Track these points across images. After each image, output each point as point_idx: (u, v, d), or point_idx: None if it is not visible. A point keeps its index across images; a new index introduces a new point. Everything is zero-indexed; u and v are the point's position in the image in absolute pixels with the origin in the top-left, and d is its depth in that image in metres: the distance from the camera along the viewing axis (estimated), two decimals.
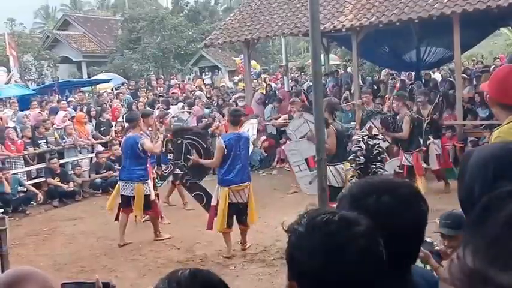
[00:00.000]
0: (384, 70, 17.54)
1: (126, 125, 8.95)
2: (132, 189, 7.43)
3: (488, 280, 0.38)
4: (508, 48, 23.92)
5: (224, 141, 6.63)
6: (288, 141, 10.58)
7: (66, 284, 1.44)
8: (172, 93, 16.07)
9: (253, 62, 24.45)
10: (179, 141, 7.44)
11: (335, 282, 1.06)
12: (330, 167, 6.53)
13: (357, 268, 1.05)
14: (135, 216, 7.52)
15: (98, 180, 11.15)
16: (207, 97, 15.54)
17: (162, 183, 8.58)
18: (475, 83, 12.67)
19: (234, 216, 6.71)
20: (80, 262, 6.92)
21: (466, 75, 13.30)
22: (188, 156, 7.23)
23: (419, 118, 8.35)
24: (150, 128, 8.42)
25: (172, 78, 20.89)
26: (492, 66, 15.09)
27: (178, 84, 19.10)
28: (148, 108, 9.47)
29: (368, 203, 1.22)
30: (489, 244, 0.40)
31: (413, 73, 14.86)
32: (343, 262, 1.05)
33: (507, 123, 2.30)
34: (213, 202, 6.78)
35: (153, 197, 7.61)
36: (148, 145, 7.35)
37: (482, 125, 10.53)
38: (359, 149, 5.45)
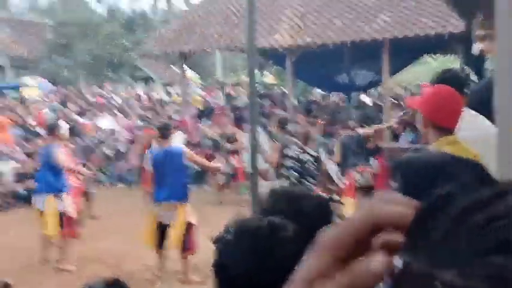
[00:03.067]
0: (315, 90, 17.96)
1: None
2: (43, 202, 6.86)
3: (433, 280, 0.38)
4: (429, 75, 25.03)
5: (151, 156, 6.47)
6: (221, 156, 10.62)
7: None
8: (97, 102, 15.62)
9: (194, 75, 24.33)
10: None
11: (262, 286, 1.07)
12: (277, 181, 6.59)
13: (284, 272, 1.05)
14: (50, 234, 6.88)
15: (22, 191, 10.62)
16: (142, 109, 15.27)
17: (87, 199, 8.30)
18: (403, 107, 13.21)
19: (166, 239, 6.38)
20: (1, 276, 6.53)
21: (395, 101, 13.84)
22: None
23: (353, 138, 8.52)
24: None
25: (107, 88, 20.31)
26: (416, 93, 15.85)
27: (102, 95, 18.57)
28: (53, 122, 8.73)
29: (275, 212, 1.24)
30: (432, 245, 0.41)
31: (343, 95, 15.34)
32: (271, 267, 1.05)
33: (444, 146, 2.36)
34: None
35: (70, 213, 6.92)
36: (60, 157, 6.79)
37: (409, 148, 10.95)
38: (293, 165, 5.53)
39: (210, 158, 12.34)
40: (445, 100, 2.41)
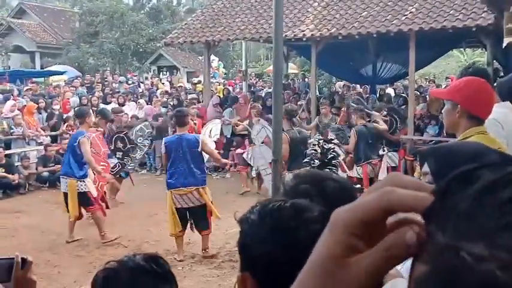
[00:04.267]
0: (338, 82, 17.86)
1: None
2: (65, 185, 7.14)
3: (459, 253, 0.39)
4: (458, 69, 24.79)
5: (164, 143, 6.56)
6: (249, 146, 10.64)
7: None
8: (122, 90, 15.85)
9: (218, 63, 24.39)
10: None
11: (288, 268, 1.07)
12: (289, 172, 6.60)
13: (308, 253, 1.05)
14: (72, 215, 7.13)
15: (45, 173, 10.83)
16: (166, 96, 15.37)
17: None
18: (427, 100, 13.04)
19: (189, 221, 6.55)
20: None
21: (418, 92, 13.68)
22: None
23: (370, 131, 8.47)
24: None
25: (135, 76, 20.52)
26: (444, 86, 15.60)
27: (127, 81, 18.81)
28: (83, 107, 9.09)
29: (299, 194, 1.23)
30: (459, 218, 0.41)
31: (368, 87, 15.20)
32: (295, 248, 1.05)
33: (473, 135, 2.36)
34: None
35: (94, 194, 7.20)
36: (84, 147, 6.95)
37: (432, 140, 10.85)
38: (314, 152, 5.51)
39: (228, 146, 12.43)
40: (481, 90, 2.45)
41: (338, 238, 0.44)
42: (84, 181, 7.11)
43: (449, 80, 18.63)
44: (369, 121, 9.05)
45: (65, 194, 7.20)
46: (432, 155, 1.29)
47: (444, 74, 23.31)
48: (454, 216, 0.40)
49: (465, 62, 22.20)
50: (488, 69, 12.27)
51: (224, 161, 8.61)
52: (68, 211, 7.17)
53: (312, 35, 12.01)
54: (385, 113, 10.05)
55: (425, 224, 0.42)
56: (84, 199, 7.10)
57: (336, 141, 6.00)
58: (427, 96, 13.37)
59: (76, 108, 9.32)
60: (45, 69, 22.18)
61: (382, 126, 9.21)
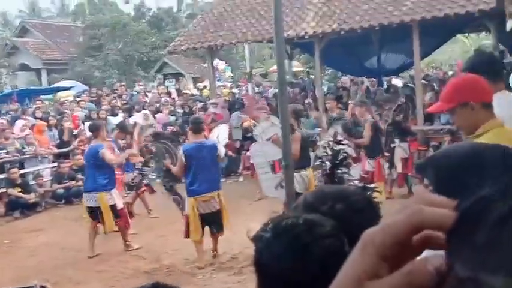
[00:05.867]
0: (344, 77, 17.81)
1: (90, 134, 8.77)
2: (95, 200, 7.24)
3: (480, 285, 0.39)
4: (464, 54, 24.63)
5: (184, 151, 6.57)
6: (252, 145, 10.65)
7: None
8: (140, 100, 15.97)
9: (224, 66, 24.38)
10: (157, 145, 7.47)
11: (303, 283, 1.08)
12: (295, 173, 6.59)
13: (323, 268, 1.07)
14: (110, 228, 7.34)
15: (60, 190, 10.91)
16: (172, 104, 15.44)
17: (129, 193, 8.46)
18: (436, 88, 12.97)
19: (208, 226, 6.64)
20: (43, 274, 6.74)
21: (425, 81, 13.61)
22: (163, 160, 7.24)
23: (383, 123, 8.47)
24: (123, 139, 8.34)
25: (140, 85, 20.62)
26: (451, 72, 15.52)
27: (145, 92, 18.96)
28: (97, 121, 9.21)
29: (322, 211, 1.24)
30: (476, 249, 0.42)
31: (375, 79, 15.14)
32: (309, 263, 1.07)
33: (489, 130, 2.34)
34: (186, 211, 6.72)
35: (120, 205, 7.41)
36: (108, 157, 7.12)
37: (443, 129, 10.80)
38: (325, 154, 5.51)
39: (240, 150, 12.46)
40: (475, 78, 2.46)
41: (366, 261, 0.45)
42: (110, 193, 7.26)
43: (456, 65, 18.55)
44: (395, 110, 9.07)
45: (90, 209, 7.30)
46: (429, 167, 1.29)
47: (450, 60, 23.15)
48: (472, 246, 0.41)
49: (470, 47, 22.04)
50: (494, 53, 12.20)
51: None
52: (91, 227, 7.28)
53: (314, 32, 11.99)
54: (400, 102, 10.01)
55: (446, 252, 0.43)
56: (113, 212, 7.25)
57: (345, 141, 5.98)
58: (435, 84, 13.32)
59: (90, 123, 9.38)
60: (52, 86, 22.32)
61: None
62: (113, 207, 7.26)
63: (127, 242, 7.39)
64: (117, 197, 7.41)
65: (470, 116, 2.41)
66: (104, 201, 7.21)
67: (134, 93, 18.73)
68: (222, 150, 7.10)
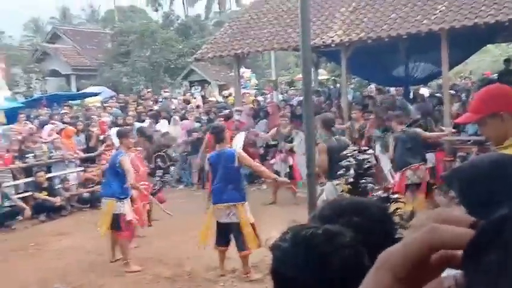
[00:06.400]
0: (370, 85, 17.67)
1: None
2: (105, 205, 7.21)
3: None
4: (494, 64, 24.23)
5: (208, 159, 6.64)
6: (277, 155, 10.66)
7: None
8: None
9: (250, 74, 24.49)
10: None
11: None
12: (328, 182, 6.53)
13: (342, 279, 1.04)
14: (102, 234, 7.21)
15: (86, 194, 11.06)
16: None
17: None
18: (464, 98, 12.78)
19: (230, 236, 6.50)
20: (68, 277, 6.83)
21: (453, 91, 13.42)
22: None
23: (408, 135, 8.30)
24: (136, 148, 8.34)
25: (166, 92, 20.86)
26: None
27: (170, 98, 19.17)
28: (125, 128, 9.22)
29: (339, 224, 1.22)
30: (489, 271, 0.40)
31: (401, 88, 14.99)
32: (328, 273, 1.05)
33: None
34: None
35: (129, 217, 7.14)
36: (126, 166, 6.95)
37: (470, 140, 10.61)
38: (349, 163, 5.45)
39: (264, 157, 12.45)
40: (506, 90, 2.44)
41: (382, 281, 0.45)
42: (123, 202, 7.12)
43: (485, 75, 18.26)
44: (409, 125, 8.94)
45: None
46: (455, 179, 1.25)
47: (479, 70, 22.80)
48: (487, 266, 0.39)
49: (500, 57, 21.66)
50: None
51: (270, 174, 7.76)
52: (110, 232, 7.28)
53: (340, 40, 11.94)
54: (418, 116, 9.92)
55: (461, 271, 0.42)
56: (115, 222, 7.05)
57: (370, 151, 5.91)
58: (463, 95, 13.12)
59: (118, 129, 9.45)
60: (80, 92, 22.71)
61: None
62: (117, 217, 7.05)
63: (125, 261, 7.04)
64: (129, 208, 7.20)
65: (500, 126, 2.36)
66: (109, 208, 7.05)
67: (161, 100, 18.94)
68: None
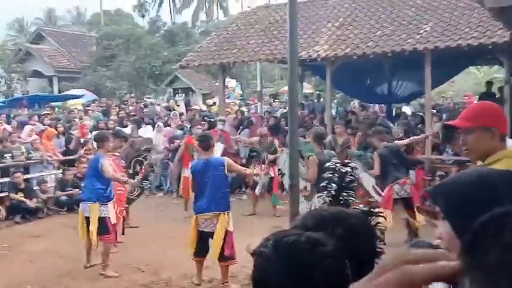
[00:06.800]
0: (354, 101, 17.83)
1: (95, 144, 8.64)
2: (88, 210, 7.03)
3: None
4: (475, 86, 24.69)
5: (191, 168, 6.55)
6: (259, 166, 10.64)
7: None
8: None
9: (235, 84, 24.53)
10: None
11: None
12: (317, 195, 6.52)
13: (325, 287, 1.04)
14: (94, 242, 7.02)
15: (63, 197, 10.90)
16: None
17: (128, 206, 8.41)
18: (444, 118, 12.95)
19: (209, 245, 6.42)
20: (40, 281, 6.69)
21: (435, 111, 13.60)
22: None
23: (392, 151, 8.34)
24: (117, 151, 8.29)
25: (149, 98, 20.82)
26: (461, 103, 15.52)
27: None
28: (104, 131, 9.15)
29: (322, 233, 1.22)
30: (487, 270, 0.40)
31: (384, 106, 15.15)
32: (310, 282, 1.04)
33: (503, 158, 2.32)
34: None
35: (114, 220, 7.15)
36: (106, 168, 6.92)
37: (450, 160, 10.74)
38: (331, 176, 5.46)
39: (245, 166, 12.43)
40: (500, 109, 2.56)
41: None
42: (107, 205, 7.05)
43: (466, 97, 18.55)
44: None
45: (87, 219, 7.11)
46: (440, 195, 1.25)
47: (461, 91, 23.18)
48: (483, 266, 0.40)
49: (482, 79, 22.07)
50: (506, 87, 12.20)
51: (249, 171, 8.42)
52: (88, 237, 7.12)
53: (326, 55, 12.04)
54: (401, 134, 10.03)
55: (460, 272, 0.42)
56: (102, 226, 6.96)
57: (352, 164, 5.93)
58: (444, 115, 13.29)
59: (96, 132, 9.33)
60: (62, 94, 22.50)
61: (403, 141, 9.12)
62: (103, 220, 6.97)
63: (104, 264, 6.94)
64: (112, 211, 7.15)
65: (488, 141, 2.39)
66: (95, 212, 6.95)
67: (149, 104, 18.85)
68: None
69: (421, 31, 11.51)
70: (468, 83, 26.14)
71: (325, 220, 1.27)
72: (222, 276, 6.32)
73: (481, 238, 0.42)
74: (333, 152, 7.83)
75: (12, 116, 15.16)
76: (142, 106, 18.39)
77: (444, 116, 13.49)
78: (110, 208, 7.11)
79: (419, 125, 12.44)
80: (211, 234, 6.33)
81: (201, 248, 6.42)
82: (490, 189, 1.18)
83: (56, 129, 12.66)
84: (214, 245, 6.23)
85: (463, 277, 0.43)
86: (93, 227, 6.94)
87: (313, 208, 6.21)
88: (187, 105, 20.00)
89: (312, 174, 6.55)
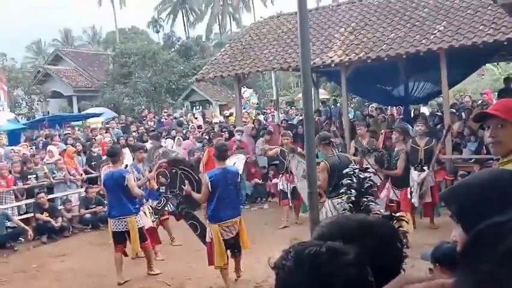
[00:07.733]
0: (371, 105, 17.72)
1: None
2: (126, 224, 7.26)
3: None
4: (494, 83, 24.36)
5: (210, 178, 6.49)
6: (281, 175, 10.61)
7: None
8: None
9: (250, 94, 24.55)
10: (174, 171, 7.50)
11: None
12: (328, 200, 6.52)
13: None
14: (134, 251, 7.41)
15: (88, 215, 11.03)
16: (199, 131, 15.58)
17: (156, 218, 8.48)
18: (463, 117, 12.82)
19: (230, 250, 6.68)
20: None
21: (453, 110, 13.46)
22: (182, 186, 7.26)
23: (414, 150, 8.30)
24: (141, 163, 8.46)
25: (166, 112, 20.98)
26: (480, 101, 15.32)
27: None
28: (114, 146, 9.34)
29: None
30: (481, 280, 0.41)
31: (401, 107, 15.03)
32: None
33: None
34: (208, 238, 6.67)
35: (147, 225, 7.65)
36: (131, 183, 7.20)
37: (472, 159, 10.61)
38: (350, 182, 5.45)
39: (265, 175, 12.43)
40: None
41: None
42: (139, 215, 7.45)
43: (485, 95, 18.30)
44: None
45: (115, 234, 7.27)
46: (452, 198, 1.26)
47: (479, 89, 22.89)
48: (476, 279, 0.40)
49: (500, 76, 21.76)
50: None
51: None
52: (118, 252, 7.30)
53: (340, 60, 12.02)
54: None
55: (454, 277, 0.42)
56: (140, 235, 7.35)
57: (371, 169, 5.92)
58: (463, 113, 13.15)
59: (108, 148, 9.41)
60: (82, 113, 22.82)
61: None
62: (140, 231, 7.38)
63: (151, 265, 7.50)
64: (144, 218, 7.67)
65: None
66: (133, 224, 7.27)
67: (163, 119, 19.01)
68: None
69: (435, 31, 11.42)
70: (486, 79, 25.81)
71: (353, 231, 1.27)
72: (238, 266, 6.90)
73: (477, 246, 0.43)
74: (346, 155, 7.78)
75: (35, 137, 15.43)
76: (163, 120, 18.55)
77: (463, 114, 13.34)
78: (143, 217, 7.60)
79: (439, 125, 12.32)
80: (232, 239, 6.61)
81: (225, 255, 6.59)
82: (501, 191, 1.17)
83: (75, 148, 12.82)
84: (243, 242, 6.77)
85: (457, 283, 0.44)
86: (135, 239, 7.28)
87: (324, 214, 6.19)
88: (203, 117, 20.10)
89: (323, 181, 6.51)
